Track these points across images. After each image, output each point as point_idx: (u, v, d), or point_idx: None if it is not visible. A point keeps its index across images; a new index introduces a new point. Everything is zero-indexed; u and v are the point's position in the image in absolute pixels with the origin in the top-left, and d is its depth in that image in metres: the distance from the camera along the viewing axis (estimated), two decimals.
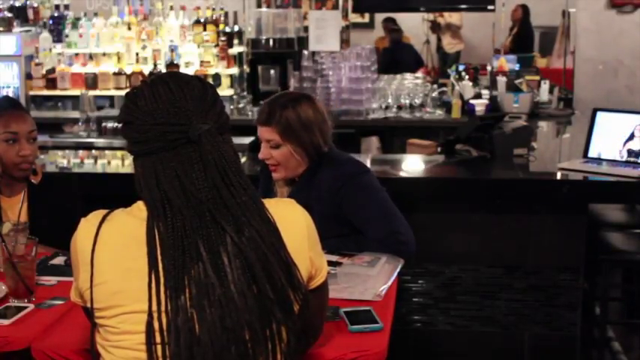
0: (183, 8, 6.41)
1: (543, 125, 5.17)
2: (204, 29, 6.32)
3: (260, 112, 2.64)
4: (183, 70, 6.05)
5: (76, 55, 6.39)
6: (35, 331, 1.96)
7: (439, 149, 4.12)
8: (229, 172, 1.53)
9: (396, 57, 9.03)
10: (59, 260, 2.50)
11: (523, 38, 8.70)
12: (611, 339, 3.94)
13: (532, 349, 3.54)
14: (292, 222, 1.61)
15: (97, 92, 6.21)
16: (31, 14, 6.53)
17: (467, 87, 5.79)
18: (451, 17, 10.34)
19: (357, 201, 2.63)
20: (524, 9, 8.93)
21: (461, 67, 6.39)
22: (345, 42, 7.15)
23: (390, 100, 5.85)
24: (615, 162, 3.58)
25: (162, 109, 1.54)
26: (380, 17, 10.38)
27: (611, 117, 3.67)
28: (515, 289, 3.52)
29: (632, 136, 3.60)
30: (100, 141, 5.45)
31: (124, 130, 1.60)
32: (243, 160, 3.93)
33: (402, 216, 2.65)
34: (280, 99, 2.65)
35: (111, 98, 6.57)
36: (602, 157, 3.64)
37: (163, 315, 1.45)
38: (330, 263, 2.21)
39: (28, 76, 6.13)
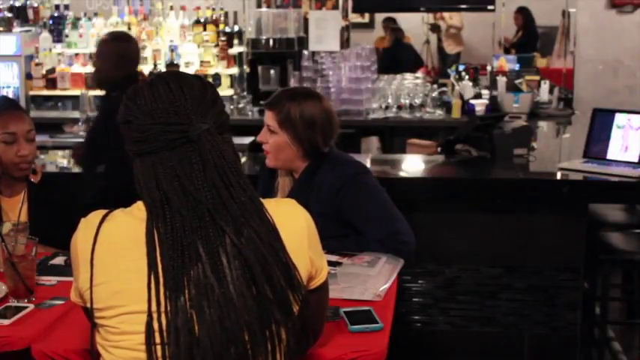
0: (183, 8, 6.41)
1: (543, 125, 5.17)
2: (204, 29, 6.33)
3: (271, 96, 2.71)
4: (183, 70, 6.05)
5: (76, 55, 6.40)
6: (35, 331, 1.95)
7: (439, 149, 4.12)
8: (228, 172, 1.52)
9: (396, 57, 9.02)
10: (59, 260, 2.50)
11: (527, 40, 8.77)
12: (611, 339, 3.93)
13: (532, 349, 3.53)
14: (292, 222, 1.60)
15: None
16: (31, 14, 6.54)
17: (467, 87, 5.78)
18: (451, 19, 10.32)
19: (358, 201, 2.63)
20: (524, 13, 8.93)
21: (461, 67, 6.38)
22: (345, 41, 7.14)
23: (390, 100, 5.85)
24: (615, 162, 3.57)
25: (162, 108, 1.54)
26: (380, 17, 10.37)
27: (612, 117, 3.67)
28: (515, 289, 3.52)
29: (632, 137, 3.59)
30: None
31: (124, 129, 1.60)
32: (243, 160, 3.93)
33: (402, 216, 2.65)
34: (292, 91, 2.75)
35: None
36: (602, 157, 3.63)
37: (163, 315, 1.45)
38: (330, 263, 2.20)
39: (28, 76, 6.13)
